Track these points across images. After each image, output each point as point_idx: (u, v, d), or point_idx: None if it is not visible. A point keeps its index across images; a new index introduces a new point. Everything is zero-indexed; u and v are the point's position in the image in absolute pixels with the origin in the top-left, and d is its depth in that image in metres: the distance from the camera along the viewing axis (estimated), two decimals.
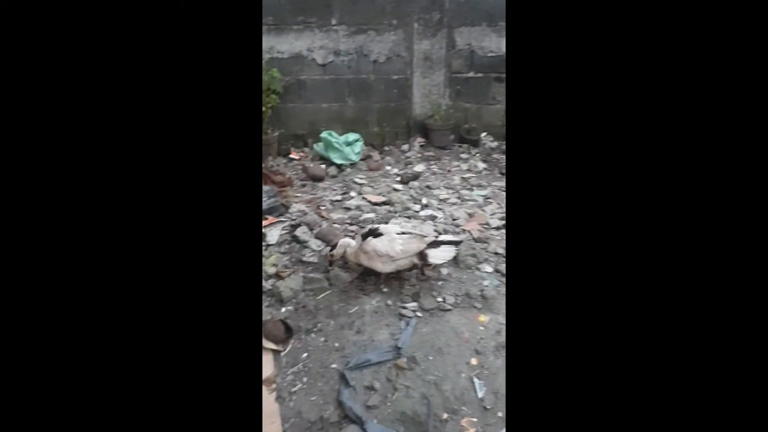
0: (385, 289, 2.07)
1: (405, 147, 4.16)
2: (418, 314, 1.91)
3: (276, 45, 3.81)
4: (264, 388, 1.56)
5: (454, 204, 3.00)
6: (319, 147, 3.80)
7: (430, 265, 2.06)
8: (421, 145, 4.15)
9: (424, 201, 3.03)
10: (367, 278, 2.11)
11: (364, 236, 2.03)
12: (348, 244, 2.08)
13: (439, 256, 2.01)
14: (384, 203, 3.00)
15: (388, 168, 3.74)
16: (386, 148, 4.19)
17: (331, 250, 2.13)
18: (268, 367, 1.65)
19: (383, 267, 1.98)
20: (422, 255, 2.00)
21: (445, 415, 1.45)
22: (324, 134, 3.70)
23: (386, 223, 2.70)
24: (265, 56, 3.77)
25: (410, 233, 2.03)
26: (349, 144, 3.74)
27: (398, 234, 2.01)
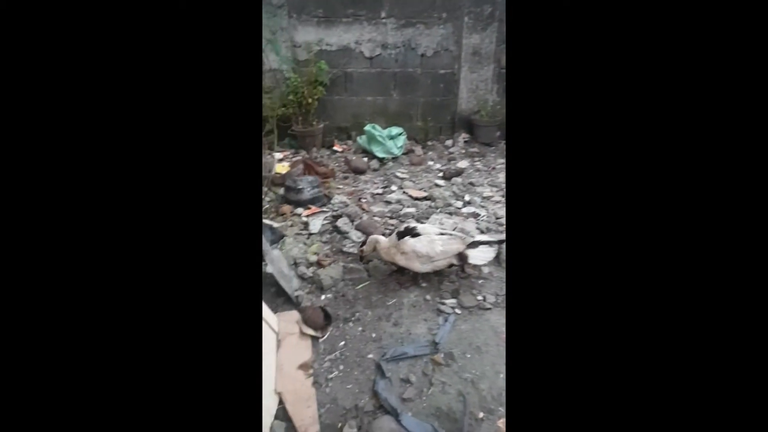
0: (423, 284, 2.06)
1: (449, 142, 4.11)
2: (457, 311, 1.89)
3: (325, 37, 3.85)
4: (302, 373, 1.59)
5: (498, 202, 2.94)
6: (362, 140, 3.83)
7: (470, 264, 2.03)
8: (466, 141, 4.09)
9: (467, 198, 2.98)
10: (406, 272, 2.11)
11: (400, 235, 2.00)
12: (377, 240, 2.08)
13: (479, 256, 1.97)
14: (425, 198, 2.98)
15: (431, 163, 3.71)
16: (429, 143, 4.16)
17: (361, 245, 2.15)
18: (306, 352, 1.68)
19: (421, 267, 1.97)
20: (462, 256, 1.97)
21: (481, 414, 1.42)
22: (367, 127, 3.72)
23: (427, 218, 2.69)
24: (314, 48, 3.83)
25: (450, 234, 2.00)
26: (392, 138, 3.74)
27: (437, 235, 1.97)
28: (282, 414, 1.46)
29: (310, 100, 3.84)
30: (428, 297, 1.98)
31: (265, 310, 1.74)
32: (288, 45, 3.86)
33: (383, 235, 2.43)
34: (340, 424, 1.42)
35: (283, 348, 1.69)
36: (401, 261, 1.99)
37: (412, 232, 1.98)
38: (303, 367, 1.61)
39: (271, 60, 3.70)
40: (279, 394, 1.51)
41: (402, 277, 2.09)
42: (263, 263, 2.09)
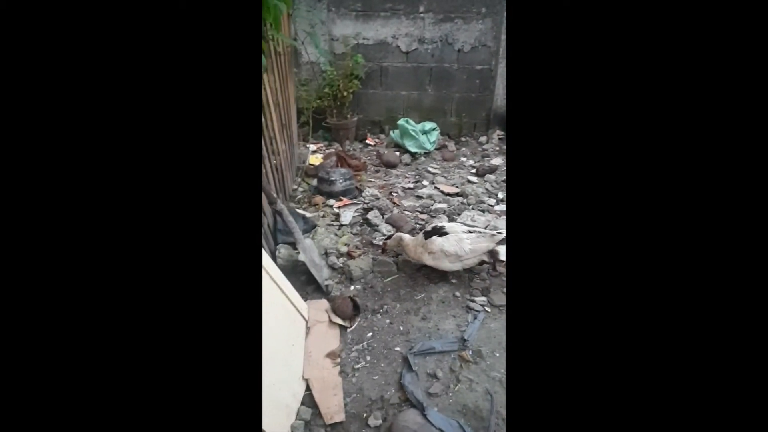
0: (453, 281, 2.04)
1: (483, 139, 4.05)
2: (487, 309, 1.86)
3: (362, 31, 3.86)
4: (329, 361, 1.61)
5: None
6: (395, 134, 3.82)
7: (502, 261, 1.99)
8: (500, 138, 4.01)
9: (501, 195, 2.93)
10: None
11: (427, 235, 1.98)
12: (401, 238, 2.07)
13: None
14: (457, 194, 2.95)
15: (463, 159, 3.66)
16: (463, 139, 4.11)
17: (386, 239, 2.14)
18: (334, 341, 1.70)
19: (451, 266, 1.94)
20: (493, 253, 1.93)
21: None
22: (401, 121, 3.70)
23: (459, 214, 2.65)
24: (351, 42, 3.84)
25: (479, 231, 1.96)
26: (425, 132, 3.71)
27: (465, 233, 1.94)
28: (309, 400, 1.48)
29: (345, 94, 3.86)
30: (458, 293, 1.96)
31: (296, 297, 1.77)
32: (326, 38, 3.89)
33: (413, 230, 2.42)
34: (365, 414, 1.43)
35: (311, 335, 1.71)
36: (428, 261, 1.96)
37: (440, 232, 1.96)
38: (331, 355, 1.63)
39: (309, 53, 3.74)
40: (306, 380, 1.53)
41: (432, 272, 2.08)
42: (296, 251, 2.12)
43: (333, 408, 1.44)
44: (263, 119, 2.23)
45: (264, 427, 1.26)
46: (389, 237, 2.13)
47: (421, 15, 3.78)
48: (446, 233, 1.94)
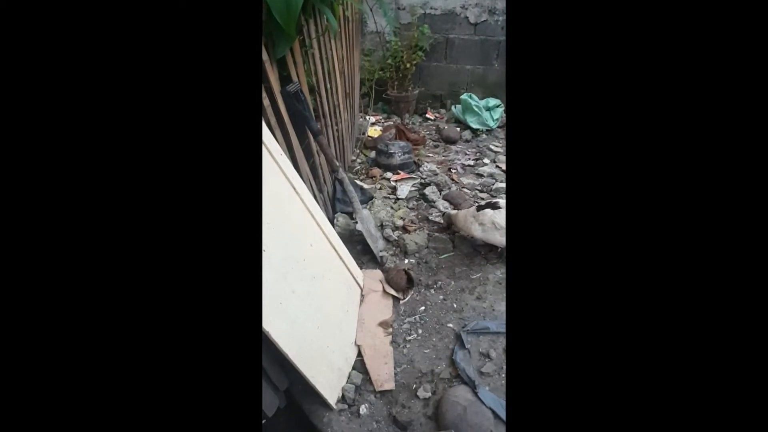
0: None
1: None
2: None
3: (430, 1, 3.72)
4: (381, 330, 1.62)
5: None
6: (456, 109, 3.70)
7: None
8: None
9: None
10: (494, 248, 2.03)
11: (480, 208, 1.92)
12: (452, 214, 2.03)
13: None
14: None
15: None
16: None
17: (443, 215, 2.11)
18: (387, 311, 1.71)
19: (501, 240, 1.85)
20: None
21: None
22: (464, 96, 3.58)
23: None
24: (417, 12, 3.72)
25: None
26: (488, 109, 3.56)
27: None
28: (360, 366, 1.50)
29: (408, 65, 3.78)
30: None
31: (353, 264, 1.79)
32: (392, 7, 3.79)
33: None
34: (414, 385, 1.43)
35: (365, 303, 1.73)
36: (477, 233, 1.89)
37: (494, 206, 1.89)
38: (383, 324, 1.64)
39: (375, 21, 3.67)
40: (358, 346, 1.55)
41: (489, 252, 2.02)
42: (353, 221, 2.13)
43: (383, 376, 1.46)
44: (328, 85, 2.22)
45: (317, 387, 1.30)
46: (443, 214, 2.10)
47: None
48: (500, 208, 1.87)
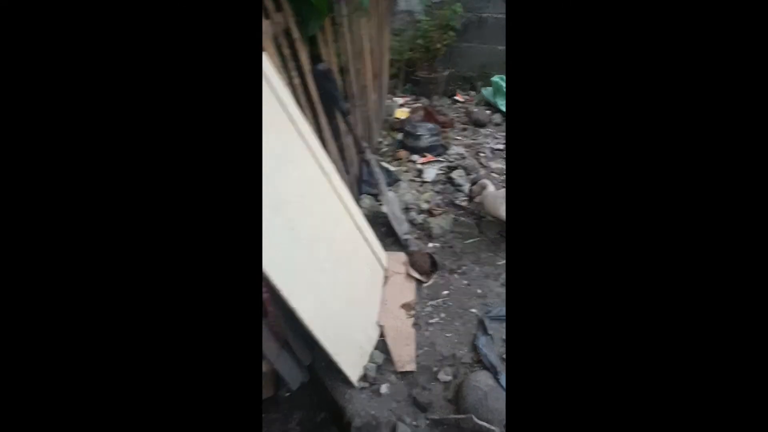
0: None
1: None
2: None
3: None
4: (404, 312, 1.63)
5: None
6: (487, 92, 3.61)
7: None
8: None
9: None
10: None
11: None
12: (487, 185, 1.97)
13: None
14: None
15: None
16: None
17: (472, 185, 2.05)
18: (410, 293, 1.71)
19: None
20: None
21: None
22: (495, 78, 3.48)
23: None
24: None
25: None
26: None
27: None
28: (382, 346, 1.52)
29: (438, 46, 3.68)
30: None
31: (377, 246, 1.79)
32: None
33: None
34: (435, 368, 1.44)
35: (389, 285, 1.74)
36: (504, 214, 1.86)
37: None
38: (405, 306, 1.65)
39: (406, 0, 3.59)
40: (381, 326, 1.57)
41: None
42: (378, 203, 2.13)
43: (405, 357, 1.47)
44: (358, 65, 2.20)
45: (340, 364, 1.32)
46: (475, 182, 2.05)
47: None
48: None
